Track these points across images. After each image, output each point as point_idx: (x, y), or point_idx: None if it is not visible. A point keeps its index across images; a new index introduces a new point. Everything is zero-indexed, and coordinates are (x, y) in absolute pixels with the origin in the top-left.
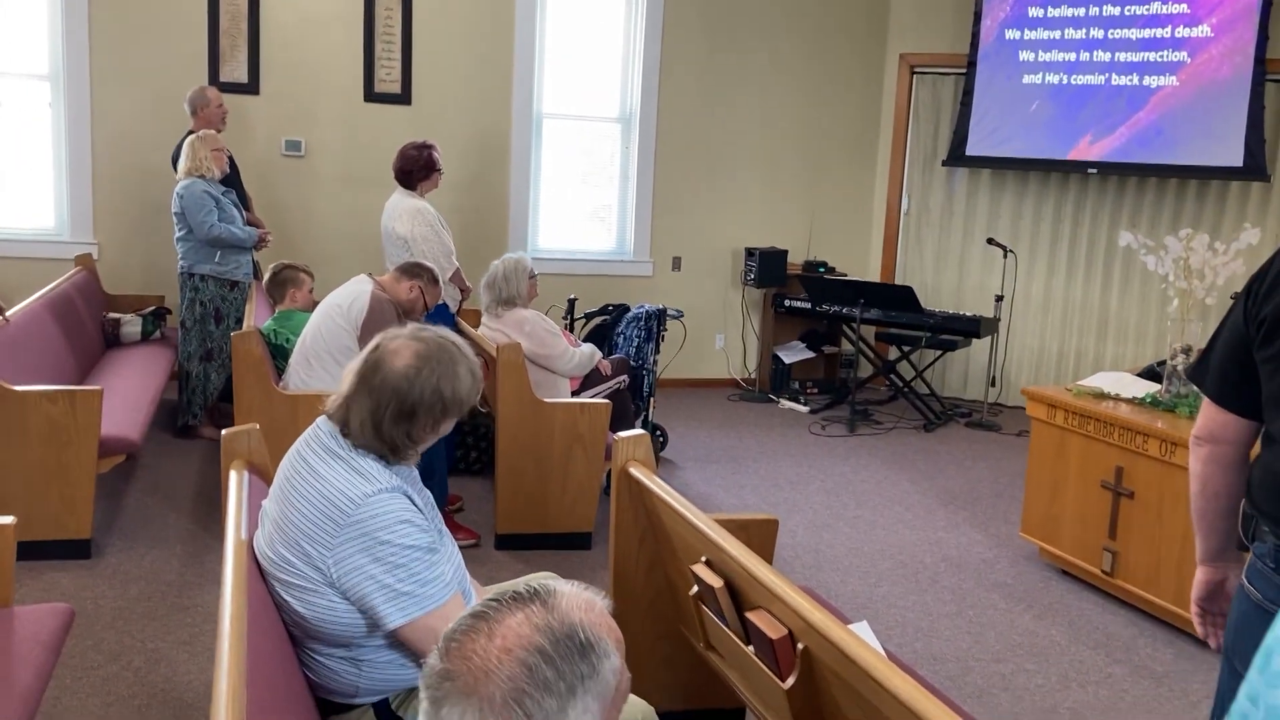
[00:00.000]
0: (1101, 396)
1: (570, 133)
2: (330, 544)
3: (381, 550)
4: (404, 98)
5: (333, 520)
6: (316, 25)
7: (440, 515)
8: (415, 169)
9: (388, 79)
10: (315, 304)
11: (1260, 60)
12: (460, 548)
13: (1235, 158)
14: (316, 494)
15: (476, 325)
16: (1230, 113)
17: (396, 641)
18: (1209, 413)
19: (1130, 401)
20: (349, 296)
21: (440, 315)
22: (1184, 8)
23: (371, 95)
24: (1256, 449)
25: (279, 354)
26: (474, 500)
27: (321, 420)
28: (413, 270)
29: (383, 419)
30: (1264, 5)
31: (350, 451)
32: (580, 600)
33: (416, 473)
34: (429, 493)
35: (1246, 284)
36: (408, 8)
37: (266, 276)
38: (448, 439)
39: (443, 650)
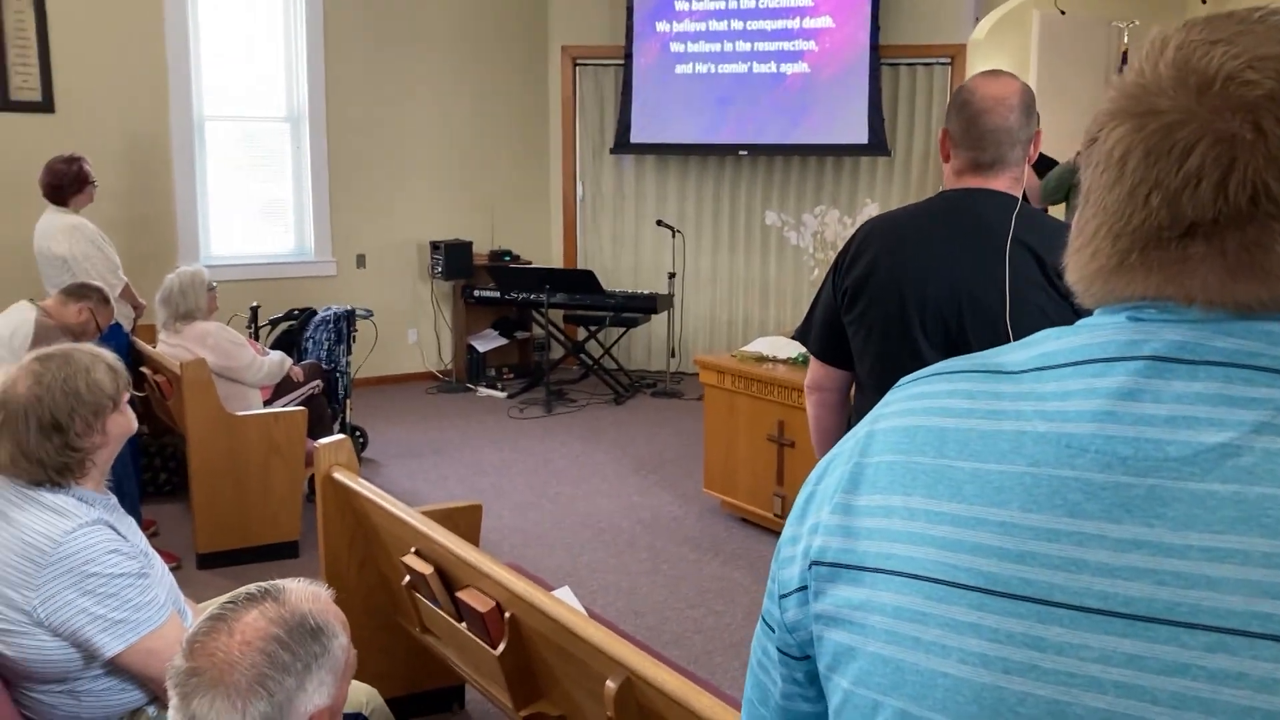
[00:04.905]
0: (761, 359)
1: (237, 134)
2: (34, 585)
3: (90, 583)
4: (46, 105)
5: (33, 562)
6: None
7: (145, 538)
8: (65, 184)
9: (25, 85)
10: None
11: (875, 47)
12: None
13: (861, 136)
14: (12, 539)
15: (153, 343)
16: (854, 95)
17: (116, 668)
18: (814, 366)
19: (785, 362)
20: (9, 326)
21: (114, 336)
22: (808, 0)
23: (7, 104)
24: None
25: None
26: (169, 522)
27: None
28: (80, 292)
29: (30, 444)
30: None
31: (37, 491)
32: (307, 593)
33: (115, 500)
34: (131, 519)
35: (834, 260)
36: (40, 7)
37: None
38: (133, 463)
39: (186, 651)
